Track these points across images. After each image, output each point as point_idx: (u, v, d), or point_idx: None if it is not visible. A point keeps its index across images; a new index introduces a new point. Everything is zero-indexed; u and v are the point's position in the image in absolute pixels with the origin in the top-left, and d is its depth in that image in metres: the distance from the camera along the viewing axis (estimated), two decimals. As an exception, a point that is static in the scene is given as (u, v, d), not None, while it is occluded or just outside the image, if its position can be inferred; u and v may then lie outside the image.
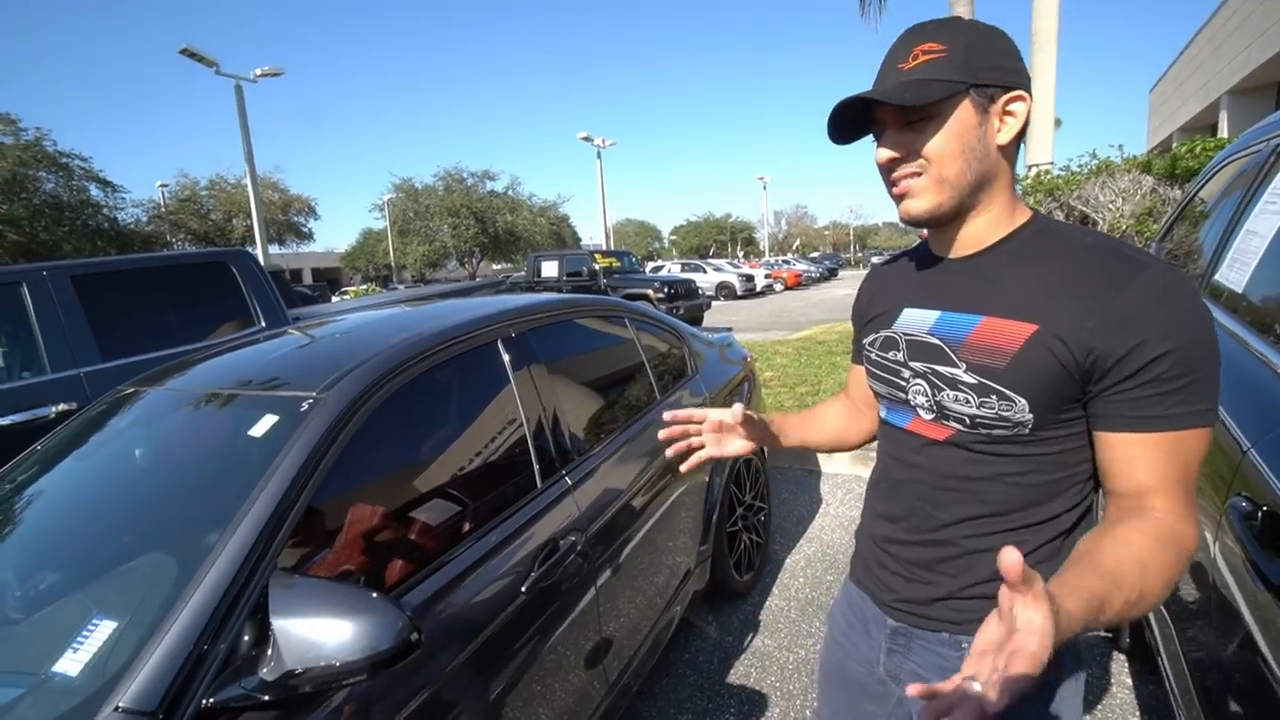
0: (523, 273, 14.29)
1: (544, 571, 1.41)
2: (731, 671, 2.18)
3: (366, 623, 0.90)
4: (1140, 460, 0.67)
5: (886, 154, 0.75)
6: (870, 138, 0.80)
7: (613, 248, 31.48)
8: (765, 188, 48.47)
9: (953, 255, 0.81)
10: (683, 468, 0.96)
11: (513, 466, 1.54)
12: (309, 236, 33.66)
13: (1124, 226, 6.09)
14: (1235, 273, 1.40)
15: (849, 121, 0.77)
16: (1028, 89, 0.73)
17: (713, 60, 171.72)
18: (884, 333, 0.88)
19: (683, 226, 64.47)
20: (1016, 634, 0.48)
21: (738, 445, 0.96)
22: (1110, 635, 2.10)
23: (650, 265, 25.74)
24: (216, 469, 1.30)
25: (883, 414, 0.92)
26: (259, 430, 1.24)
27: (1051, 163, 8.01)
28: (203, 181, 28.93)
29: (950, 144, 0.71)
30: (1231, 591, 0.92)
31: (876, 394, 0.92)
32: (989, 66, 0.71)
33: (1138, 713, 1.85)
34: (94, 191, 20.02)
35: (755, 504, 2.68)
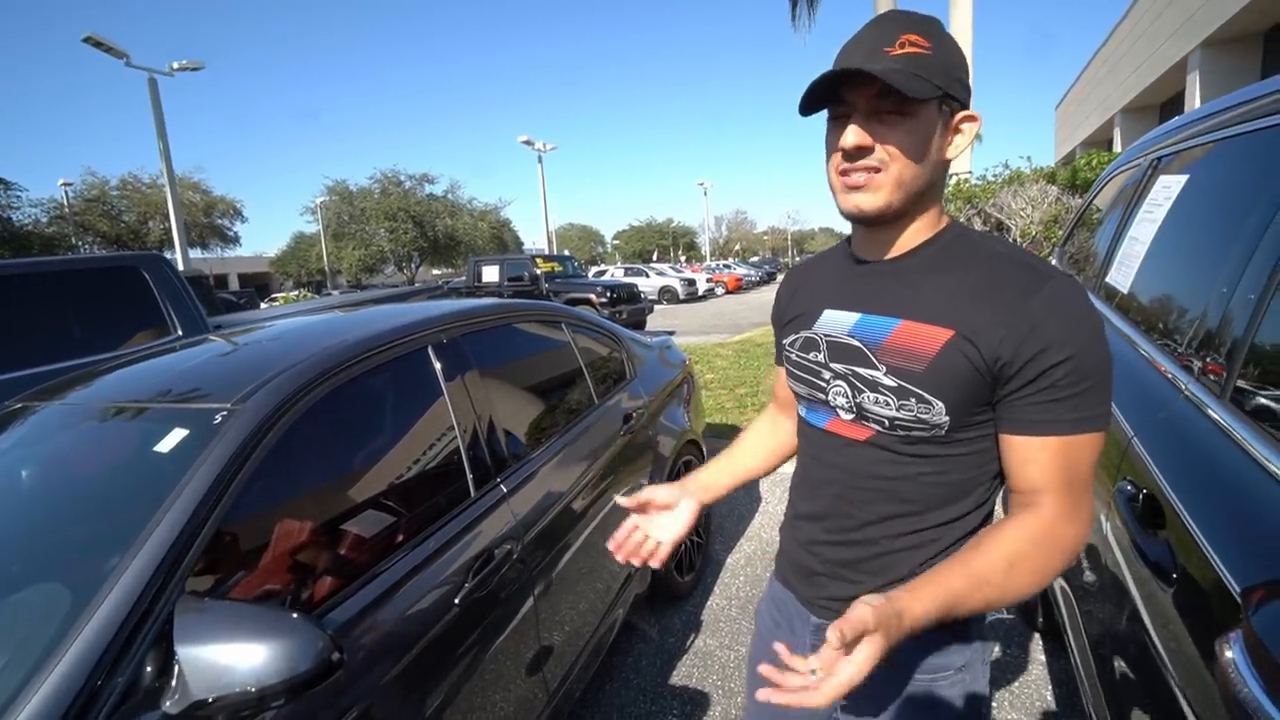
0: (463, 278, 13.98)
1: (478, 582, 1.38)
2: (674, 673, 2.19)
3: (283, 644, 0.86)
4: (1033, 462, 0.71)
5: (858, 138, 0.71)
6: (824, 124, 0.77)
7: (555, 252, 31.24)
8: (706, 193, 49.35)
9: (874, 257, 0.82)
10: (654, 564, 1.03)
11: (445, 476, 1.51)
12: (234, 240, 31.94)
13: (1034, 232, 6.54)
14: (1121, 275, 1.52)
15: (816, 94, 0.73)
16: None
17: (654, 66, 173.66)
18: (804, 333, 0.89)
19: (625, 231, 64.75)
20: (841, 663, 0.61)
21: (680, 524, 1.02)
22: (1025, 618, 2.24)
23: (593, 270, 25.71)
24: (118, 489, 1.21)
25: (802, 413, 0.93)
26: (166, 446, 1.17)
27: (970, 172, 8.52)
28: (113, 181, 26.98)
29: (917, 146, 0.71)
30: (1121, 569, 1.00)
31: (796, 394, 0.93)
32: (958, 80, 0.71)
33: (1050, 686, 1.98)
34: (-18, 189, 18.35)
35: (696, 505, 2.71)
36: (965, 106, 0.74)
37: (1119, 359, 1.32)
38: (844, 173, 0.75)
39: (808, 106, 0.75)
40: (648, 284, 20.73)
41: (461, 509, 1.47)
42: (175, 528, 0.99)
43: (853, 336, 0.81)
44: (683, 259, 56.67)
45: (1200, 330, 1.03)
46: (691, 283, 22.73)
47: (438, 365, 1.61)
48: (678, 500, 1.02)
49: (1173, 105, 14.03)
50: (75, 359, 3.08)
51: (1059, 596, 1.56)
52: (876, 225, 0.78)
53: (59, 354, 3.12)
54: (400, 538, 1.34)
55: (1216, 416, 0.89)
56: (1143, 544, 0.87)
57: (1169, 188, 1.35)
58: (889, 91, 0.69)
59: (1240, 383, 0.88)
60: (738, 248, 67.80)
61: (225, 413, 1.19)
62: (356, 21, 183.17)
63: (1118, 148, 15.47)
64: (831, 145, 0.76)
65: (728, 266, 33.27)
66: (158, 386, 1.45)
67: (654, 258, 54.46)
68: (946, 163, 0.76)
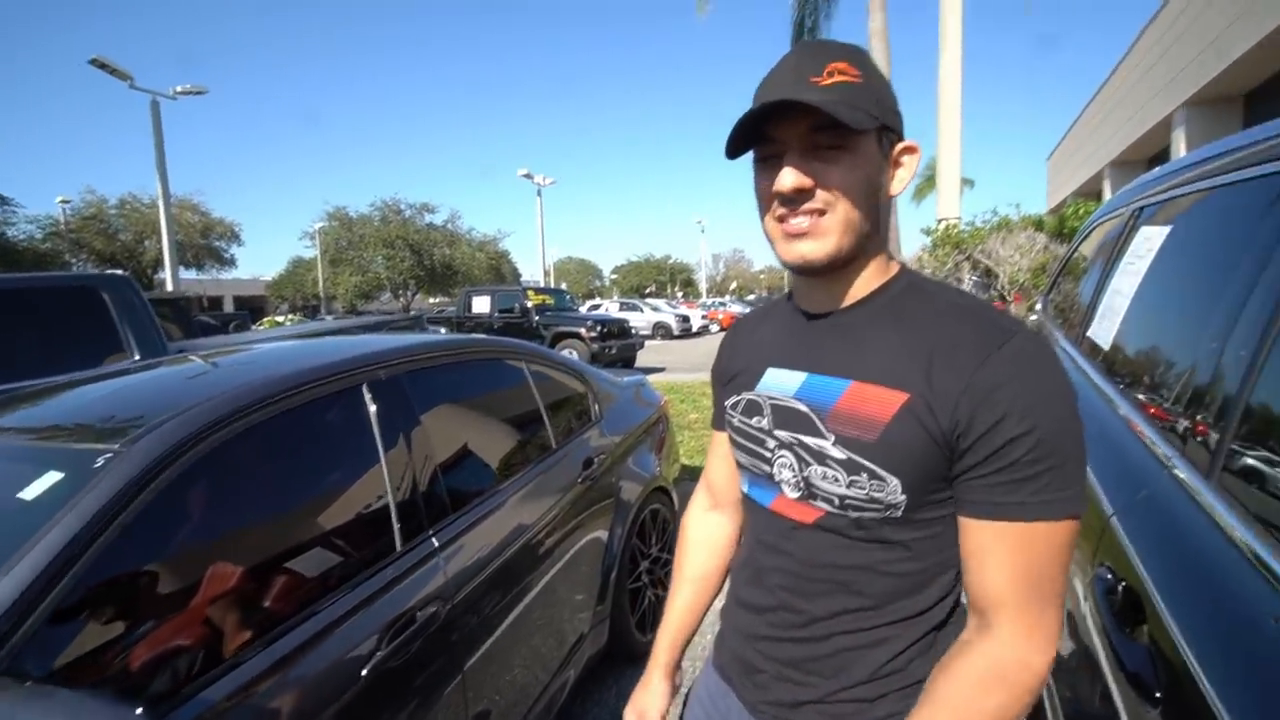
0: (454, 308, 13.92)
1: (394, 649, 1.24)
2: (628, 743, 2.01)
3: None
4: (990, 553, 0.60)
5: (796, 180, 0.63)
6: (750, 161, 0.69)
7: (553, 284, 31.38)
8: (703, 230, 49.99)
9: (820, 310, 0.73)
10: None
11: (367, 528, 1.37)
12: (231, 263, 31.98)
13: (1021, 279, 6.53)
14: (1103, 330, 1.43)
15: (744, 133, 0.65)
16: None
17: (655, 103, 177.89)
18: (746, 395, 0.79)
19: (623, 266, 65.25)
20: None
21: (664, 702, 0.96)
22: None
23: (589, 303, 25.77)
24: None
25: (745, 488, 0.82)
26: (33, 492, 1.04)
27: (959, 218, 8.59)
28: (113, 200, 27.09)
29: (862, 182, 0.64)
30: (1104, 672, 0.87)
31: (739, 465, 0.82)
32: (893, 110, 0.66)
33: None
34: (-23, 204, 18.37)
35: (662, 556, 2.56)
36: (902, 137, 0.67)
37: (1099, 423, 1.21)
38: (783, 219, 0.66)
39: (736, 147, 0.67)
40: (642, 319, 20.76)
41: (381, 566, 1.33)
42: (11, 595, 0.86)
43: (799, 400, 0.71)
44: (679, 295, 57.02)
45: (1185, 397, 0.93)
46: (685, 319, 22.77)
47: (372, 406, 1.49)
48: (666, 699, 0.97)
49: (1159, 160, 14.30)
50: (23, 380, 2.95)
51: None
52: (823, 275, 0.69)
53: (6, 375, 2.98)
54: (303, 600, 1.19)
55: (1205, 501, 0.78)
56: (1120, 648, 0.74)
57: (1150, 240, 1.27)
58: (826, 124, 0.61)
59: (1231, 462, 0.77)
60: (734, 285, 68.30)
61: (110, 455, 1.07)
62: (362, 51, 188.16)
63: (1107, 199, 15.73)
64: (764, 191, 0.67)
65: (722, 303, 33.45)
66: (53, 420, 1.33)
67: (649, 293, 54.74)
68: (890, 200, 0.69)
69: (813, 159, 0.63)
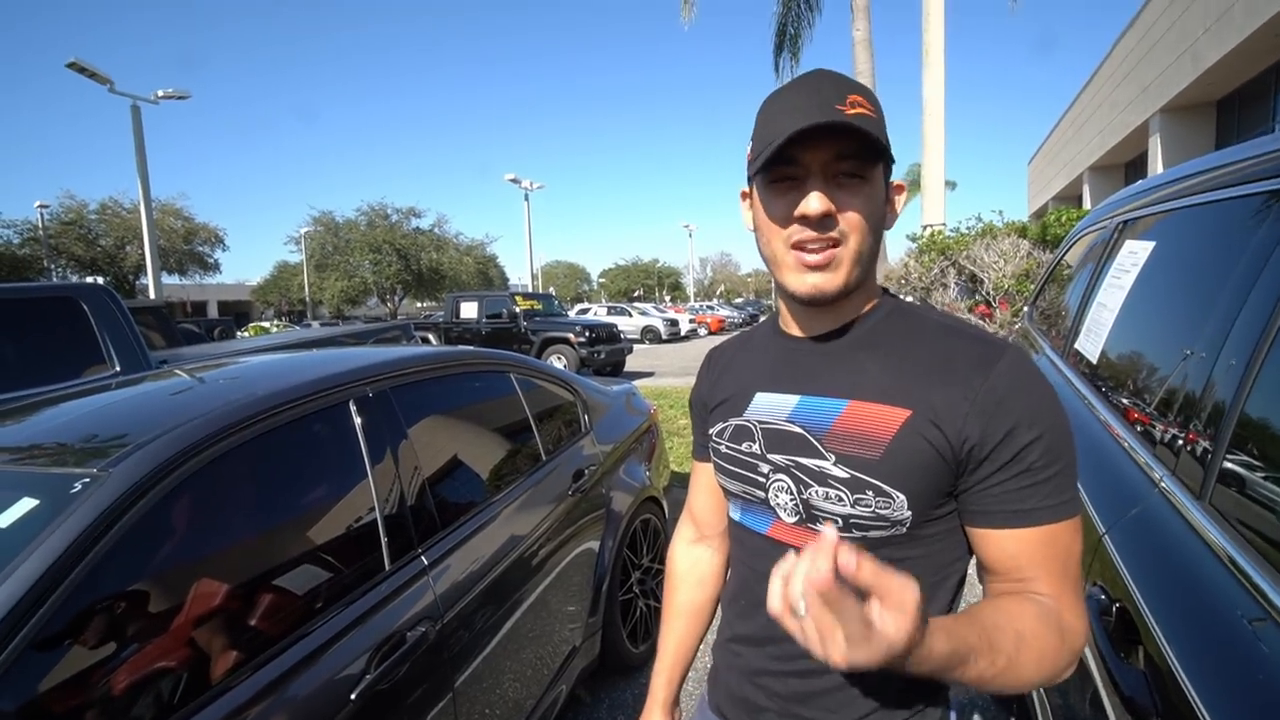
0: (442, 313, 13.82)
1: (383, 672, 1.21)
2: (621, 758, 2.00)
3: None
4: (1022, 556, 0.63)
5: (824, 205, 0.62)
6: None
7: (541, 289, 31.29)
8: (691, 235, 50.05)
9: (805, 334, 0.74)
10: None
11: (355, 548, 1.35)
12: (214, 268, 31.61)
13: (1006, 285, 6.60)
14: (1090, 343, 1.44)
15: (774, 152, 0.63)
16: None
17: (641, 108, 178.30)
18: (734, 421, 0.78)
19: (611, 270, 65.16)
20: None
21: None
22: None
23: (577, 308, 25.74)
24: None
25: (735, 516, 0.80)
26: (6, 519, 1.01)
27: (944, 223, 8.67)
28: (93, 205, 26.66)
29: (874, 214, 0.66)
30: (1099, 694, 0.87)
31: (728, 492, 0.81)
32: (889, 149, 0.67)
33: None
34: (-50, 209, 17.99)
35: (654, 566, 2.55)
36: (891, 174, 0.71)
37: (1089, 438, 1.22)
38: (801, 246, 0.65)
39: (763, 164, 0.65)
40: (630, 323, 20.77)
41: (369, 586, 1.31)
42: (-16, 628, 0.83)
43: (793, 422, 0.71)
44: (667, 299, 57.09)
45: (1175, 414, 0.94)
46: (674, 323, 22.81)
47: (358, 421, 1.47)
48: None
49: (1136, 165, 14.57)
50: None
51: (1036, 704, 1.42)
52: (830, 305, 0.68)
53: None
54: (290, 624, 1.17)
55: (1195, 519, 0.78)
56: (1116, 670, 0.74)
57: (1136, 254, 1.28)
58: (849, 154, 0.63)
59: (1222, 479, 0.78)
60: (722, 289, 68.44)
61: (88, 479, 1.04)
62: (347, 56, 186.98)
63: (1087, 204, 15.98)
64: (779, 213, 0.66)
65: (710, 308, 33.55)
66: (25, 441, 1.29)
67: (637, 296, 54.74)
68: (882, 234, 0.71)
69: (834, 186, 0.64)
